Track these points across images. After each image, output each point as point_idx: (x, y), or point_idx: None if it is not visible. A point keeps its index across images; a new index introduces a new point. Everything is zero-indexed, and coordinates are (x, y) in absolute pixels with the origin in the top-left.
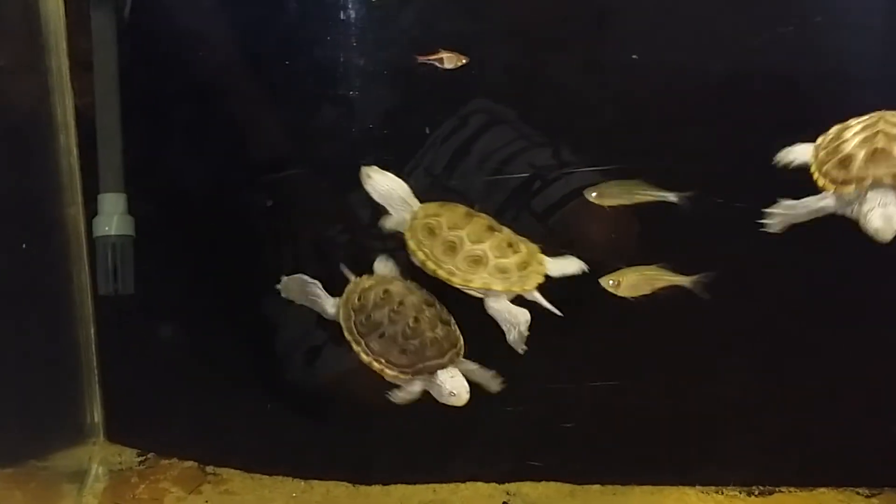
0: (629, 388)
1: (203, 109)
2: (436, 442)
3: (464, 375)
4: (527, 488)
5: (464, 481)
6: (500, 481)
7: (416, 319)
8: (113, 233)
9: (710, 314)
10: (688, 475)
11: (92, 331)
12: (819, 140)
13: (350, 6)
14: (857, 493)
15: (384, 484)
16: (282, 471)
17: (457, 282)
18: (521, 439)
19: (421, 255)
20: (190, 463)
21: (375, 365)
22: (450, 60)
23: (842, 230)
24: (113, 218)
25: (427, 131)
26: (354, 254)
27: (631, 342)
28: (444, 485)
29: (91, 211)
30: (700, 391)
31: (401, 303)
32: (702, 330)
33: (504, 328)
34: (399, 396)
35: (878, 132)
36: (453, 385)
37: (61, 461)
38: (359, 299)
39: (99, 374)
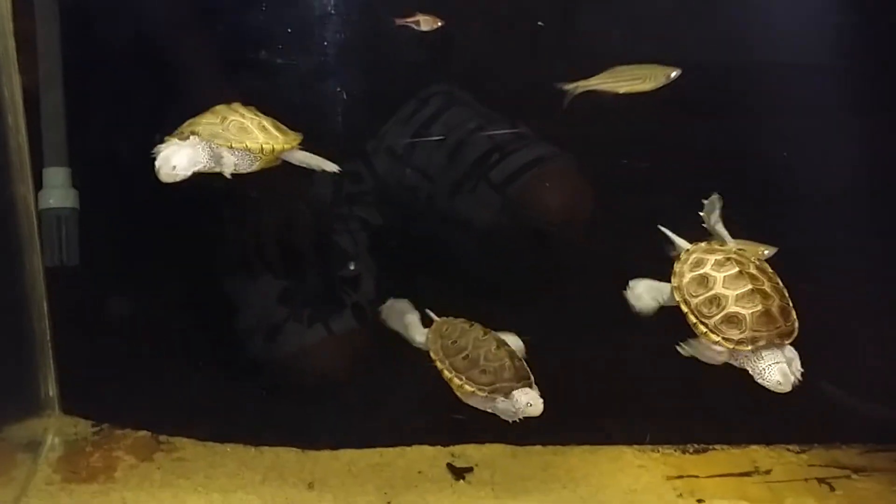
0: (569, 350)
1: (149, 80)
2: (382, 408)
3: None
4: (470, 450)
5: (410, 445)
6: (445, 444)
7: (498, 349)
8: (57, 205)
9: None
10: (624, 435)
11: (45, 306)
12: (676, 282)
13: None
14: (788, 450)
15: (332, 449)
16: (233, 438)
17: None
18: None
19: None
20: (143, 433)
21: (456, 381)
22: (426, 23)
23: None
24: (57, 191)
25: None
26: (309, 226)
27: (571, 304)
28: (390, 449)
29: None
30: (634, 353)
31: (484, 334)
32: None
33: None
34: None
35: (753, 290)
36: (530, 397)
37: (17, 433)
38: (446, 328)
39: (53, 348)
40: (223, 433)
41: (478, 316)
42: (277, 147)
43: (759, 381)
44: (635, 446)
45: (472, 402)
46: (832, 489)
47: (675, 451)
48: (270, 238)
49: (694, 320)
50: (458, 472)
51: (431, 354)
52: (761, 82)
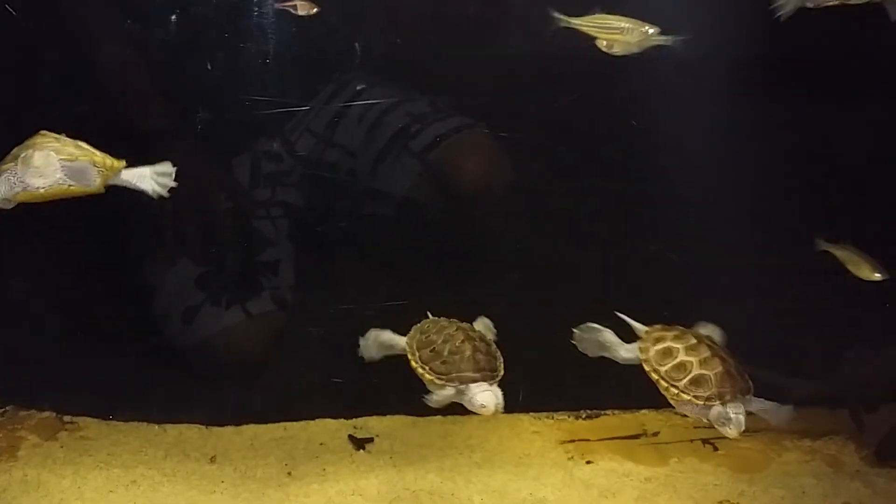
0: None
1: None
2: (285, 384)
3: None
4: (372, 422)
5: (313, 419)
6: (348, 417)
7: (463, 342)
8: None
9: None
10: (521, 403)
11: None
12: (644, 356)
13: None
14: (676, 413)
15: (236, 425)
16: (136, 417)
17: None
18: (364, 377)
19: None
20: (48, 413)
21: (419, 370)
22: (302, 8)
23: None
24: None
25: None
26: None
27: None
28: (293, 423)
29: None
30: (532, 324)
31: (458, 331)
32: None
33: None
34: (433, 400)
35: (712, 355)
36: (484, 398)
37: None
38: (427, 326)
39: None
40: (125, 411)
41: (398, 287)
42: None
43: (721, 429)
44: (532, 414)
45: (440, 393)
46: (716, 449)
47: (570, 416)
48: (182, 220)
49: (665, 385)
50: (359, 443)
51: (406, 349)
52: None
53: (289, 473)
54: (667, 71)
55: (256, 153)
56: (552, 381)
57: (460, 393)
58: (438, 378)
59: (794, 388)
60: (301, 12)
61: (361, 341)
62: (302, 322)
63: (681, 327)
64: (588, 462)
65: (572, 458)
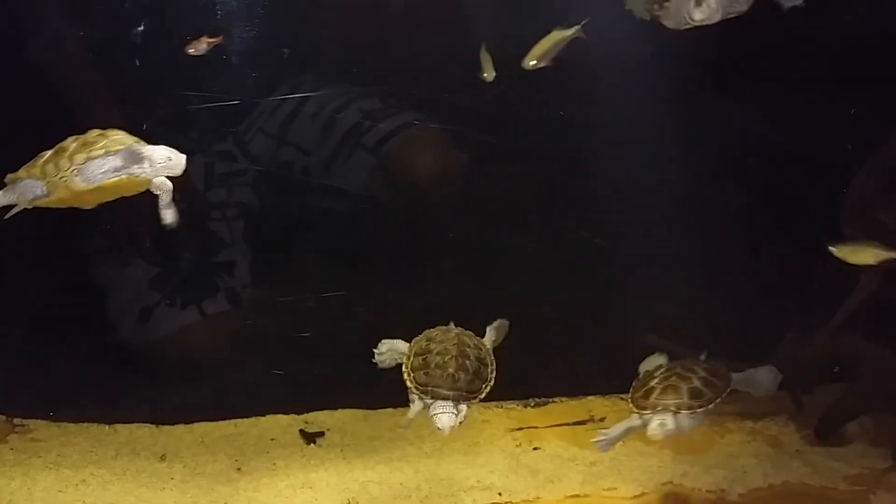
0: (425, 313)
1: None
2: (234, 381)
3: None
4: (324, 416)
5: (264, 415)
6: (299, 412)
7: (451, 358)
8: None
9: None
10: None
11: None
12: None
13: None
14: (622, 399)
15: (186, 423)
16: (86, 418)
17: None
18: (319, 372)
19: None
20: None
21: (405, 376)
22: (197, 47)
23: None
24: None
25: None
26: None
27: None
28: (245, 419)
29: None
30: (473, 313)
31: (454, 345)
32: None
33: None
34: (412, 410)
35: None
36: (440, 419)
37: None
38: (433, 334)
39: None
40: (76, 412)
41: (354, 283)
42: None
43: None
44: (481, 403)
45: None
46: None
47: (518, 405)
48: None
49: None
50: (310, 437)
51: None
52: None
53: (239, 469)
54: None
55: (210, 154)
56: (502, 371)
57: (427, 407)
58: (416, 388)
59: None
60: (194, 52)
61: (376, 352)
62: (255, 319)
63: (454, 327)
64: (535, 448)
65: (520, 445)
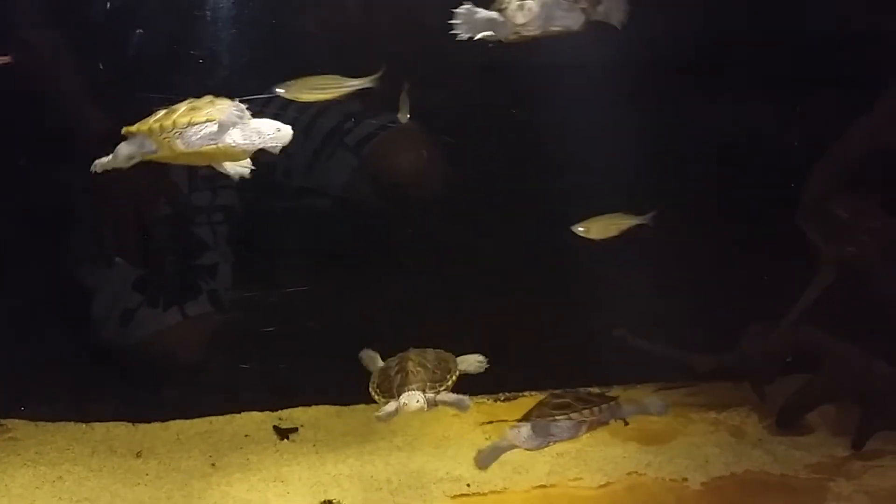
0: (400, 310)
1: None
2: (210, 379)
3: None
4: (298, 413)
5: (238, 412)
6: (273, 409)
7: (410, 362)
8: None
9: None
10: None
11: None
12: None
13: None
14: (590, 392)
15: (162, 421)
16: (64, 417)
17: None
18: (291, 368)
19: None
20: None
21: (371, 390)
22: None
23: None
24: None
25: None
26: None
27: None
28: (219, 417)
29: None
30: (452, 312)
31: (412, 355)
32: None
33: None
34: (380, 416)
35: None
36: (406, 397)
37: None
38: (404, 354)
39: None
40: (53, 412)
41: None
42: None
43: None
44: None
45: (384, 410)
46: (626, 423)
47: (489, 399)
48: (117, 221)
49: None
50: (283, 433)
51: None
52: None
53: (213, 464)
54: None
55: None
56: None
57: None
58: (382, 396)
59: (698, 364)
60: None
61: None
62: (232, 320)
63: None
64: None
65: (489, 438)
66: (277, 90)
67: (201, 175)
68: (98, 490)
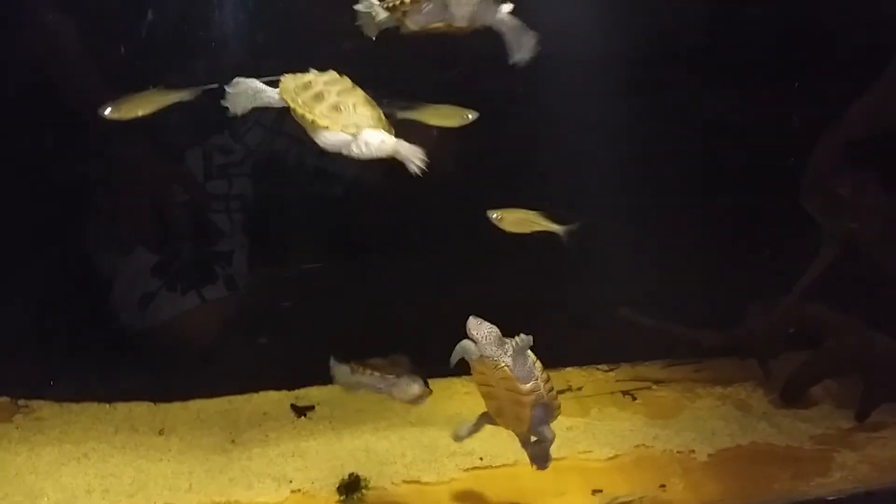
0: (416, 292)
1: None
2: (228, 360)
3: None
4: (314, 392)
5: (257, 391)
6: (290, 388)
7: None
8: None
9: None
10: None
11: None
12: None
13: None
14: (598, 369)
15: (183, 400)
16: (87, 398)
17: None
18: (307, 348)
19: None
20: (3, 398)
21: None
22: None
23: None
24: None
25: None
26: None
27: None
28: (238, 396)
29: None
30: (467, 293)
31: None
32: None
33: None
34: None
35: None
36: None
37: None
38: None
39: None
40: (77, 393)
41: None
42: None
43: None
44: (464, 377)
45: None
46: (634, 399)
47: None
48: (137, 207)
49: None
50: (300, 411)
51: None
52: None
53: (232, 441)
54: None
55: (208, 146)
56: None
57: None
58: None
59: (705, 340)
60: None
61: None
62: (250, 303)
63: None
64: None
65: None
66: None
67: (217, 164)
68: (122, 466)
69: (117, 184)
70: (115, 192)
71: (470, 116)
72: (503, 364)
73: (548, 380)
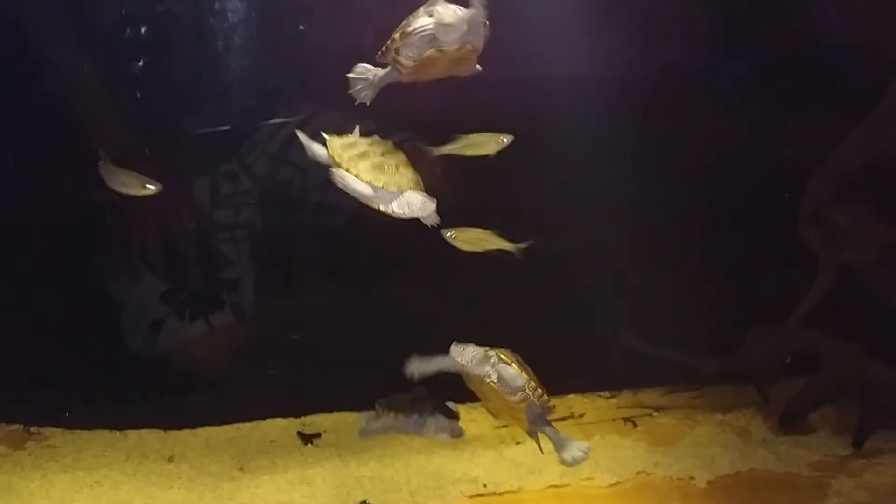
0: (419, 316)
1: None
2: (236, 388)
3: None
4: (321, 419)
5: (264, 419)
6: (297, 415)
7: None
8: None
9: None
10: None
11: None
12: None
13: None
14: (600, 396)
15: (192, 428)
16: (99, 425)
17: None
18: (313, 376)
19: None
20: (16, 426)
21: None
22: None
23: None
24: None
25: None
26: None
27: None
28: (246, 423)
29: None
30: (473, 316)
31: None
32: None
33: None
34: None
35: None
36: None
37: None
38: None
39: None
40: (89, 420)
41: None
42: None
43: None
44: (468, 404)
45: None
46: (635, 426)
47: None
48: (147, 237)
49: None
50: (307, 438)
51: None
52: None
53: (241, 468)
54: None
55: (215, 176)
56: None
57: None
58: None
59: (704, 368)
60: None
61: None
62: (257, 331)
63: None
64: (518, 443)
65: (504, 441)
66: None
67: (224, 193)
68: (133, 493)
69: (128, 215)
70: (127, 223)
71: (505, 140)
72: (489, 381)
73: (536, 387)
